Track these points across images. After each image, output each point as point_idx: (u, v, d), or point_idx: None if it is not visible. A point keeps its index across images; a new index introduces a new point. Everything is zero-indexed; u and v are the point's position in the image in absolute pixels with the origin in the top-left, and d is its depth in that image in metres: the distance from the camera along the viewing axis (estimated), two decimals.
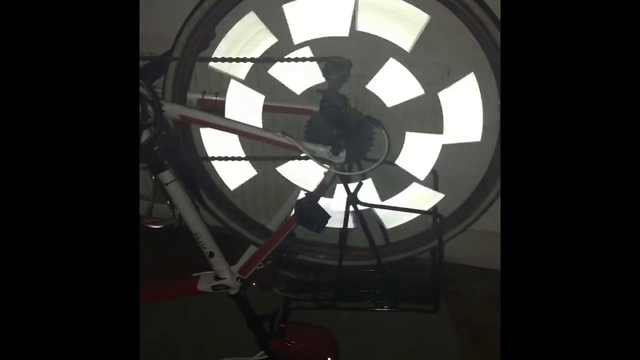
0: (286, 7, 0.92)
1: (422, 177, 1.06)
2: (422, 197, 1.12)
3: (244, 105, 1.04)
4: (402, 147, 1.05)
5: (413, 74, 0.97)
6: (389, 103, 1.00)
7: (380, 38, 0.93)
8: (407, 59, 0.96)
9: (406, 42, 0.92)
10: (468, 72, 0.96)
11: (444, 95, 0.99)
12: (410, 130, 1.04)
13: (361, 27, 0.92)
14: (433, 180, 1.13)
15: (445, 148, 1.03)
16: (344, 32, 0.92)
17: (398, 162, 1.05)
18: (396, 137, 1.02)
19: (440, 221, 1.07)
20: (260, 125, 1.02)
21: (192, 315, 1.30)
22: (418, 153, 1.04)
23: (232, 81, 1.03)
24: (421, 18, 0.90)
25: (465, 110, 0.98)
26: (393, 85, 0.98)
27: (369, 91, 1.00)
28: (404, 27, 0.91)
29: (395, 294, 1.13)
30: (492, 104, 0.96)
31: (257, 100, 1.04)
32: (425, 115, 1.17)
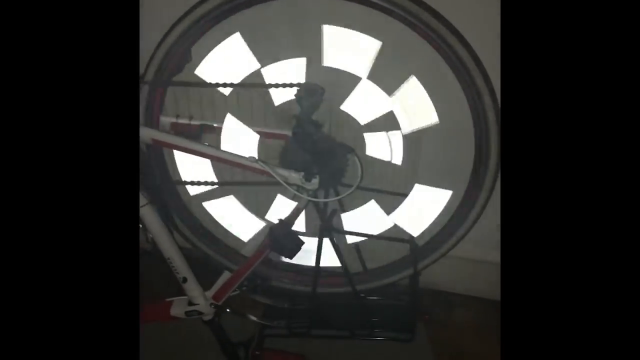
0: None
1: (416, 234, 1.08)
2: None
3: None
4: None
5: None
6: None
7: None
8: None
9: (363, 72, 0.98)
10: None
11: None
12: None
13: (327, 62, 0.97)
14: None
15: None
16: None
17: (394, 218, 1.06)
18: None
19: (414, 249, 1.05)
20: None
21: (166, 341, 1.27)
22: (422, 209, 1.07)
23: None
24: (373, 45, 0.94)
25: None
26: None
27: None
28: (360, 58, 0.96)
29: (371, 322, 1.11)
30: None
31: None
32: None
